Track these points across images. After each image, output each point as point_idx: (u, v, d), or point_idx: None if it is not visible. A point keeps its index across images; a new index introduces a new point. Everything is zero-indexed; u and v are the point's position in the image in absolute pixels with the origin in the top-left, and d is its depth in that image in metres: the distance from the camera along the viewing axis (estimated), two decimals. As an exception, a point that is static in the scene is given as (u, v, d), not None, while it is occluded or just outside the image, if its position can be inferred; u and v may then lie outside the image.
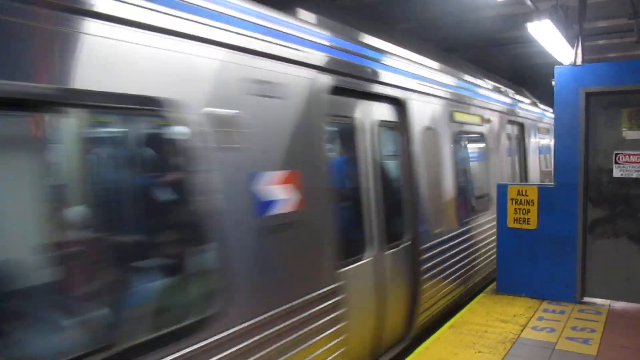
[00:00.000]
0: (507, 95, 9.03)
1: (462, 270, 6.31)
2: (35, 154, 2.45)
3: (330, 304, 3.74)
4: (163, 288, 2.87)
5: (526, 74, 14.07)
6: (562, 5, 7.48)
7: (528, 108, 10.30)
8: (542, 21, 5.62)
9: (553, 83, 6.95)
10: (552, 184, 6.22)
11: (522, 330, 5.15)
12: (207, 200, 2.83)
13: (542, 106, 11.84)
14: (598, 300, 6.01)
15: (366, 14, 8.36)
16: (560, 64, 7.26)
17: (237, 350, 2.92)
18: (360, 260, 4.33)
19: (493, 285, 6.72)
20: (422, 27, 9.50)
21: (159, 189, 3.07)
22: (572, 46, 6.87)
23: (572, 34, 7.03)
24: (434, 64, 6.31)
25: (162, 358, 2.50)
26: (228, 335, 2.88)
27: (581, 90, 5.91)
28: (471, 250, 6.62)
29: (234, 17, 3.11)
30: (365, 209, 4.49)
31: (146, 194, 3.00)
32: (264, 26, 3.35)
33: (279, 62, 3.44)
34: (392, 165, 5.14)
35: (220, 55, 3.00)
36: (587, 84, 5.89)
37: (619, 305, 5.89)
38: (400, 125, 5.14)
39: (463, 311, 5.82)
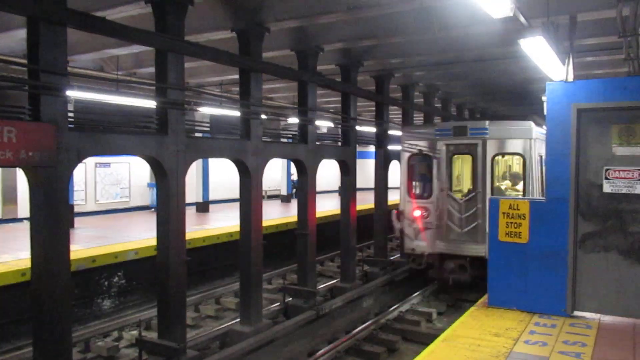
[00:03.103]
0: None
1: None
2: None
3: None
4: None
5: (516, 89, 14.25)
6: (552, 23, 7.59)
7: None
8: (535, 38, 5.70)
9: (543, 99, 7.02)
10: (544, 198, 6.28)
11: (514, 344, 5.17)
12: None
13: None
14: (588, 315, 6.06)
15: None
16: (551, 80, 7.37)
17: None
18: None
19: (484, 299, 6.75)
20: (415, 42, 9.62)
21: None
22: (562, 62, 6.99)
23: (561, 50, 7.14)
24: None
25: None
26: None
27: (573, 106, 5.99)
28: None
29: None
30: None
31: None
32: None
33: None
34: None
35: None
36: (579, 100, 5.98)
37: (609, 319, 5.93)
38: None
39: (455, 324, 5.83)
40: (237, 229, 13.47)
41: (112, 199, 18.47)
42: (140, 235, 12.60)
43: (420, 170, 11.07)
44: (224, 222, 15.28)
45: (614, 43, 8.51)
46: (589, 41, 8.40)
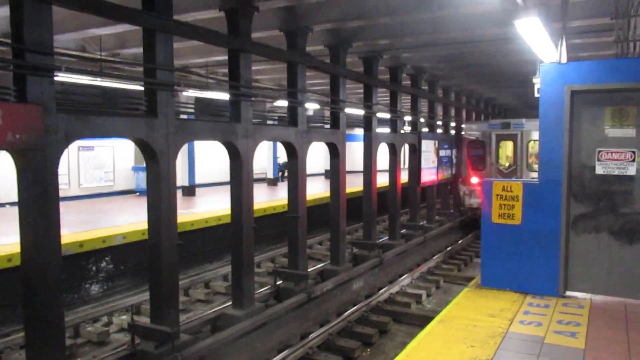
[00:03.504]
0: None
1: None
2: None
3: None
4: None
5: (504, 72, 14.26)
6: (543, 4, 7.58)
7: None
8: (530, 18, 5.66)
9: (534, 81, 6.98)
10: (537, 180, 6.32)
11: (510, 325, 5.21)
12: None
13: None
14: (579, 295, 6.13)
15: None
16: (542, 62, 7.37)
17: None
18: None
19: (477, 280, 6.81)
20: (405, 23, 9.53)
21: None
22: (554, 44, 6.98)
23: (553, 31, 7.12)
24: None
25: None
26: None
27: (566, 88, 5.99)
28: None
29: None
30: None
31: None
32: None
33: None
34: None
35: None
36: (572, 81, 5.98)
37: (600, 299, 6.02)
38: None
39: (450, 305, 5.87)
40: (225, 212, 13.49)
41: (97, 183, 18.19)
42: (127, 219, 12.44)
43: (477, 151, 16.26)
44: (211, 205, 15.17)
45: (601, 25, 8.53)
46: (575, 23, 8.39)
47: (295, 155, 9.12)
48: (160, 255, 6.51)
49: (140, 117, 6.24)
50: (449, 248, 14.37)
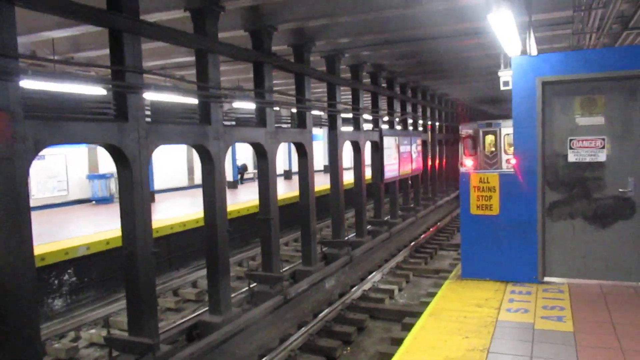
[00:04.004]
0: None
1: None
2: None
3: None
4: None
5: (461, 67, 14.55)
6: (507, -1, 7.73)
7: None
8: (503, 11, 5.77)
9: (500, 74, 7.13)
10: (512, 170, 6.46)
11: (498, 313, 5.31)
12: None
13: None
14: (557, 280, 6.32)
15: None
16: (508, 55, 7.55)
17: None
18: None
19: (457, 271, 6.90)
20: (363, 22, 9.54)
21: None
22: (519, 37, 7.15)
23: (519, 25, 7.30)
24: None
25: None
26: None
27: (537, 80, 6.17)
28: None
29: None
30: None
31: None
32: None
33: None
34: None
35: None
36: (543, 73, 6.16)
37: (577, 282, 6.22)
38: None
39: (436, 298, 5.92)
40: (190, 218, 13.19)
41: (49, 193, 17.39)
42: (88, 229, 11.96)
43: (471, 142, 23.03)
44: (173, 211, 14.80)
45: (559, 18, 8.83)
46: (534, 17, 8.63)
47: (266, 156, 9.00)
48: (136, 264, 6.26)
49: (111, 122, 5.98)
50: (412, 243, 14.58)
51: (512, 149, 20.60)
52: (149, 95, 6.62)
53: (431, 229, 16.69)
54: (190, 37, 7.21)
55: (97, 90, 7.40)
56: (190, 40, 7.25)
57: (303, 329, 8.17)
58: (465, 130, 23.45)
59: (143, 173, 6.31)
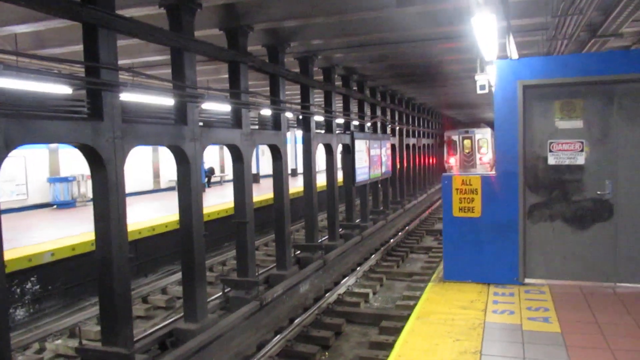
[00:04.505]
0: None
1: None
2: None
3: None
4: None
5: (432, 71, 14.68)
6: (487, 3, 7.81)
7: None
8: (486, 15, 5.80)
9: (476, 78, 7.17)
10: (494, 173, 6.50)
11: (485, 315, 5.30)
12: None
13: None
14: (537, 281, 6.38)
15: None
16: (485, 60, 7.62)
17: None
18: None
19: (439, 273, 6.89)
20: (338, 24, 9.49)
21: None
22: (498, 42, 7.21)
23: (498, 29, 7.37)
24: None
25: None
26: None
27: (518, 83, 6.23)
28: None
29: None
30: None
31: None
32: None
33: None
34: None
35: None
36: (524, 77, 6.23)
37: (557, 283, 6.29)
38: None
39: (422, 302, 5.87)
40: (158, 222, 12.83)
41: (7, 197, 16.61)
42: (51, 234, 11.47)
43: (453, 145, 31.18)
44: (139, 215, 14.38)
45: (534, 25, 8.98)
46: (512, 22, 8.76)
47: (241, 159, 8.81)
48: (111, 270, 5.99)
49: (85, 121, 5.71)
50: (383, 246, 14.60)
51: (482, 149, 31.23)
52: (124, 95, 6.34)
53: (400, 233, 16.75)
54: (168, 34, 6.99)
55: (63, 89, 7.01)
56: (167, 38, 7.02)
57: (280, 335, 8.02)
58: (447, 135, 32.02)
59: (119, 175, 6.06)
